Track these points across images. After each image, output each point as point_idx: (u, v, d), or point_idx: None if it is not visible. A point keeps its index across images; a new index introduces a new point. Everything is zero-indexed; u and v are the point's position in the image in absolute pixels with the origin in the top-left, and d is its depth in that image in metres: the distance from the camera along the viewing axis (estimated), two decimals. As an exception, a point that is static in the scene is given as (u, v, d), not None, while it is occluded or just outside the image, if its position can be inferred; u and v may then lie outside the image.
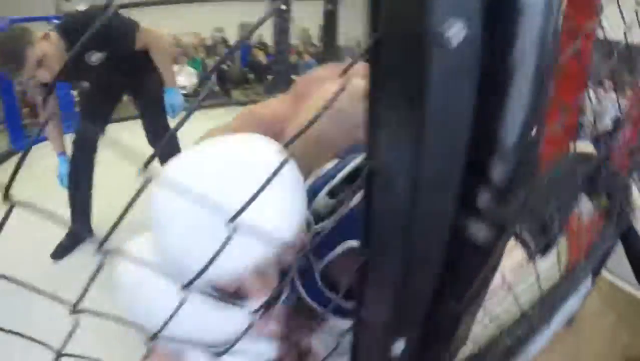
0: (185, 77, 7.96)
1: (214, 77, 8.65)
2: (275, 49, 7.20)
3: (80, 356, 0.42)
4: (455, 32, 0.27)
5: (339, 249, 0.67)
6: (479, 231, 0.39)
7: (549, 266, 1.23)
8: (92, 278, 0.35)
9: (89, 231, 2.55)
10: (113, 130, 2.62)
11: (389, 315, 0.42)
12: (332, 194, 0.73)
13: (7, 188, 0.30)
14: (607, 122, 5.51)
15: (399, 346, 0.45)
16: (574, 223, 1.85)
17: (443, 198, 0.35)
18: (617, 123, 4.62)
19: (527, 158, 0.38)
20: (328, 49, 6.54)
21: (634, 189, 1.60)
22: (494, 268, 0.46)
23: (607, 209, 1.35)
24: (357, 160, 0.73)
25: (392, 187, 0.35)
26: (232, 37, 11.24)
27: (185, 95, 7.70)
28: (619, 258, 2.12)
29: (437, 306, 0.45)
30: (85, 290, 0.36)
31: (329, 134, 0.84)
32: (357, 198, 0.63)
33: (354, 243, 0.66)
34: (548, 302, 1.68)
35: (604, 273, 2.42)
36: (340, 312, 0.64)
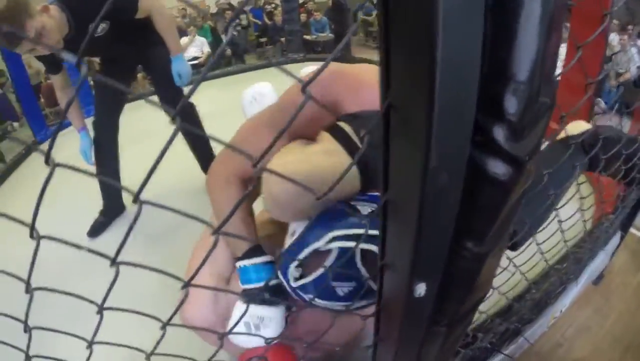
0: (197, 48, 7.93)
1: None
2: (283, 9, 7.07)
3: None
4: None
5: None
6: (496, 167, 0.39)
7: (573, 221, 1.23)
8: (130, 229, 0.39)
9: (121, 207, 2.71)
10: (130, 108, 2.65)
11: (409, 258, 0.43)
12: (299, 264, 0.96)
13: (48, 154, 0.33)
14: (633, 71, 5.27)
15: (420, 289, 0.46)
16: (600, 177, 1.82)
17: (459, 133, 0.35)
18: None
19: (541, 93, 0.37)
20: (337, 3, 6.35)
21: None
22: (514, 208, 0.46)
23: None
24: (315, 245, 0.91)
25: (409, 125, 0.35)
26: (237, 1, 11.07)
27: (198, 65, 7.62)
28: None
29: (458, 250, 0.45)
30: (124, 241, 0.40)
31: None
32: (319, 270, 0.92)
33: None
34: (577, 257, 1.67)
35: (632, 229, 2.39)
36: None
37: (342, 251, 0.89)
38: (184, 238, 1.56)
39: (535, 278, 1.63)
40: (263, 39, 9.54)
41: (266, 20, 9.74)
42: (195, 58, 7.73)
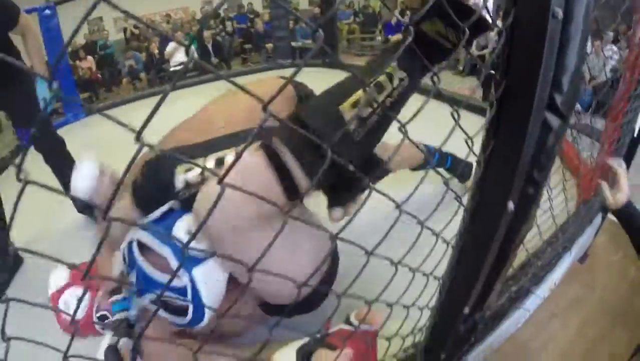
0: (183, 54, 8.05)
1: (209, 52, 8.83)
2: (271, 15, 7.27)
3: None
4: (559, 11, 0.54)
5: None
6: (553, 120, 0.65)
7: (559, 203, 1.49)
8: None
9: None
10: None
11: (509, 178, 0.68)
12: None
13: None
14: (606, 75, 5.53)
15: (511, 206, 0.70)
16: (583, 167, 2.10)
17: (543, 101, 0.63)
18: (616, 74, 4.75)
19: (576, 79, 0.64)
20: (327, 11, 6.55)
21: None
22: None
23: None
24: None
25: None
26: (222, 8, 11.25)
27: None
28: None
29: (528, 178, 0.70)
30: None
31: None
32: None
33: None
34: (568, 230, 1.94)
35: (611, 216, 2.69)
36: None
37: None
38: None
39: (535, 251, 1.88)
40: (247, 46, 9.74)
41: (250, 26, 9.94)
42: (182, 64, 7.82)
